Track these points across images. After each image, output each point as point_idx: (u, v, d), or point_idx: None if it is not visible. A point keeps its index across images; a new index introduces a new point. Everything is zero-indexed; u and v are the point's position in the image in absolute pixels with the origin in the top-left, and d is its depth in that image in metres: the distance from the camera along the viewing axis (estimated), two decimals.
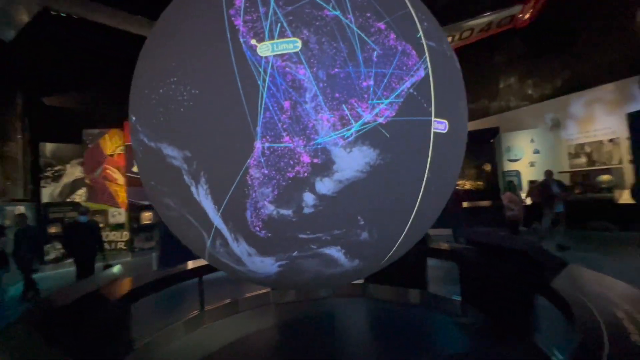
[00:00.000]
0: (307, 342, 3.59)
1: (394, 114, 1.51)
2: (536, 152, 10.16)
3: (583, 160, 9.29)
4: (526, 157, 10.32)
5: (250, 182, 1.47)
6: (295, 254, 1.72)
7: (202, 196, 1.56)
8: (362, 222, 1.64)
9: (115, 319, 2.90)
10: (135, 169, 9.75)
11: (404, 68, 1.55)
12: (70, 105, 10.12)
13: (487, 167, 10.29)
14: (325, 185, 1.51)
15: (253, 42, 1.41)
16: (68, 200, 9.29)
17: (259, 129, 1.40)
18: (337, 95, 1.42)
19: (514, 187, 7.53)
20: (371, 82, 1.47)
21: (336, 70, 1.42)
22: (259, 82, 1.38)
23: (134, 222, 9.70)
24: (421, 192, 1.77)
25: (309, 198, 1.52)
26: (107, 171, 9.75)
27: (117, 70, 9.92)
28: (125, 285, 3.22)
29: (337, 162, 1.47)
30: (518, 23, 9.45)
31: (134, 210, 9.84)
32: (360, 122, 1.45)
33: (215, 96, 1.44)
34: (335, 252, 1.72)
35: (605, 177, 8.54)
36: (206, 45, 1.48)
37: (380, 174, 1.54)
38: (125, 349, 3.02)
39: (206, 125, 1.47)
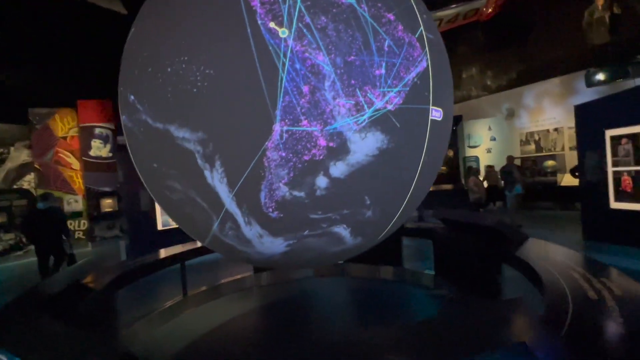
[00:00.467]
0: (289, 321, 3.75)
1: (401, 101, 1.62)
2: (492, 139, 11.03)
3: (532, 147, 10.28)
4: (484, 144, 11.17)
5: (266, 165, 1.52)
6: (305, 233, 1.81)
7: (216, 179, 1.57)
8: (368, 202, 1.76)
9: (99, 308, 2.81)
10: (93, 152, 9.05)
11: (410, 58, 1.65)
12: (13, 82, 9.00)
13: (450, 153, 10.99)
14: (338, 168, 1.60)
15: (272, 25, 1.42)
16: (15, 187, 8.40)
17: (278, 112, 1.44)
18: (352, 82, 1.49)
19: (476, 172, 8.15)
20: (383, 71, 1.56)
21: (352, 57, 1.49)
22: (278, 66, 1.41)
23: (92, 210, 9.06)
24: (417, 174, 1.93)
25: (322, 180, 1.61)
26: (60, 155, 8.91)
27: (68, 44, 8.96)
28: (108, 274, 3.10)
29: (351, 146, 1.56)
30: (482, 16, 9.98)
31: (93, 197, 9.18)
32: (372, 108, 1.55)
33: (233, 78, 1.44)
34: (342, 230, 1.83)
35: (550, 162, 9.56)
36: (221, 25, 1.47)
37: (387, 158, 1.66)
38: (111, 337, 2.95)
39: (222, 107, 1.47)
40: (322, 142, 1.52)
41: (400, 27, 1.64)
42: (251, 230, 1.76)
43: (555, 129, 9.69)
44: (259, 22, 1.42)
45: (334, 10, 1.48)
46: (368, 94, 1.53)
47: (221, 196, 1.62)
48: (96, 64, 8.89)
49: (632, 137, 4.19)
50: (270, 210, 1.66)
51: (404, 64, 1.63)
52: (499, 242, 3.07)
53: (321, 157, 1.55)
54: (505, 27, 10.29)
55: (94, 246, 8.89)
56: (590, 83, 6.98)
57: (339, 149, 1.55)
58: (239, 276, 4.85)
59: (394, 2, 1.66)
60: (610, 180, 4.42)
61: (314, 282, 4.96)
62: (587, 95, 8.20)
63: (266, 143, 1.47)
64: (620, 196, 4.37)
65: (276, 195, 1.61)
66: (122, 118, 1.89)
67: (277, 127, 1.46)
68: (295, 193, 1.62)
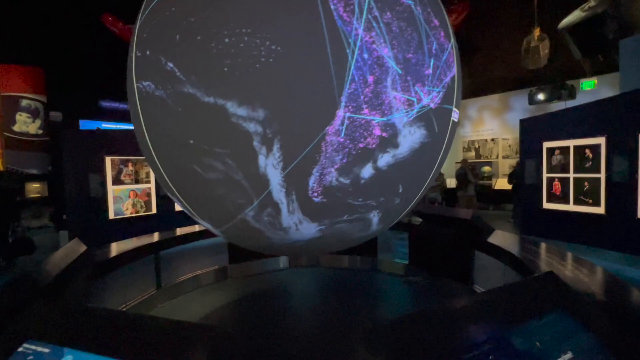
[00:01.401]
0: (265, 311, 3.75)
1: (439, 101, 1.79)
2: None
3: (472, 154, 11.60)
4: None
5: (323, 149, 1.55)
6: (342, 218, 1.88)
7: (270, 161, 1.55)
8: (400, 190, 1.91)
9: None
10: (18, 127, 7.72)
11: (448, 63, 1.83)
12: None
13: None
14: (384, 158, 1.70)
15: (344, 12, 1.46)
16: None
17: (343, 99, 1.48)
18: (408, 77, 1.61)
19: None
20: (430, 71, 1.70)
21: (410, 55, 1.60)
22: (348, 53, 1.46)
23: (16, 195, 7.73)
24: (435, 167, 2.14)
25: (369, 167, 1.70)
26: None
27: None
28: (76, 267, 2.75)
29: (399, 139, 1.68)
30: None
31: (15, 179, 7.83)
32: (420, 104, 1.68)
33: (302, 58, 1.44)
34: (374, 216, 1.95)
35: (487, 168, 10.92)
36: (291, 1, 1.46)
37: (423, 151, 1.82)
38: None
39: (288, 87, 1.46)
40: (377, 131, 1.61)
41: (442, 33, 1.81)
42: (291, 216, 1.77)
43: (492, 139, 11.08)
44: (332, 6, 1.45)
45: (397, 8, 1.58)
46: (418, 91, 1.67)
47: (270, 179, 1.60)
48: (24, 24, 7.56)
49: (563, 149, 5.08)
50: (315, 195, 1.70)
51: (444, 68, 1.80)
52: (471, 232, 3.50)
53: (374, 146, 1.63)
54: (460, 44, 11.37)
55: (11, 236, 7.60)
56: (532, 101, 8.19)
57: (390, 140, 1.65)
58: (212, 268, 4.67)
59: (437, 9, 1.82)
60: (544, 184, 5.30)
61: (291, 272, 4.99)
62: (520, 111, 9.54)
63: (327, 127, 1.51)
64: (551, 198, 5.27)
65: (325, 181, 1.66)
66: (142, 84, 1.72)
67: (340, 113, 1.50)
68: (342, 179, 1.69)
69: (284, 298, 4.21)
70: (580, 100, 7.27)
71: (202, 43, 1.50)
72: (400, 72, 1.57)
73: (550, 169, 5.27)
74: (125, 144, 6.12)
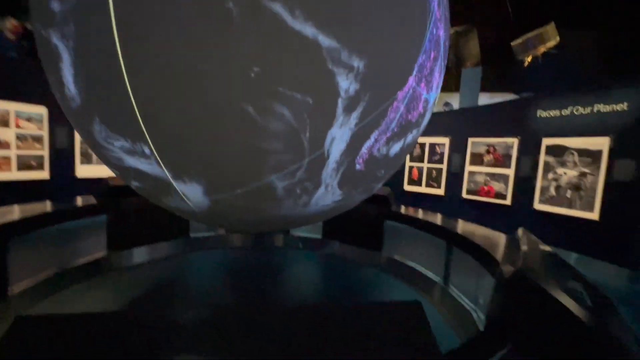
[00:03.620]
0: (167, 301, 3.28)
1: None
2: None
3: None
4: None
5: (387, 114, 1.55)
6: (360, 189, 1.90)
7: (345, 117, 1.41)
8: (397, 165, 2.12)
9: None
10: None
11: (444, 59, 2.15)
12: None
13: None
14: (413, 133, 1.86)
15: None
16: None
17: (416, 66, 1.53)
18: (443, 63, 1.81)
19: None
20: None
21: (447, 43, 1.80)
22: (427, 24, 1.51)
23: None
24: None
25: (403, 141, 1.81)
26: None
27: None
28: None
29: (426, 116, 1.87)
30: None
31: None
32: (438, 91, 1.93)
33: (397, 11, 1.37)
34: (378, 187, 2.08)
35: None
36: None
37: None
38: None
39: (386, 38, 1.33)
40: (420, 107, 1.74)
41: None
42: (328, 183, 1.65)
43: None
44: None
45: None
46: (441, 77, 1.90)
47: (335, 137, 1.44)
48: None
49: (421, 145, 6.70)
50: (360, 162, 1.66)
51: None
52: (382, 207, 4.16)
53: (414, 120, 1.75)
54: None
55: None
56: None
57: (423, 116, 1.82)
58: (85, 259, 3.50)
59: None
60: (406, 171, 6.85)
61: (187, 258, 4.37)
62: None
63: (398, 92, 1.51)
64: (410, 181, 6.88)
65: (374, 147, 1.65)
66: None
67: (411, 81, 1.54)
68: (384, 148, 1.72)
69: (187, 285, 3.68)
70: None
71: None
72: (444, 55, 1.75)
73: (411, 159, 6.85)
74: None
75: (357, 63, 1.29)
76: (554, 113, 4.54)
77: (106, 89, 1.25)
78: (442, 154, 6.35)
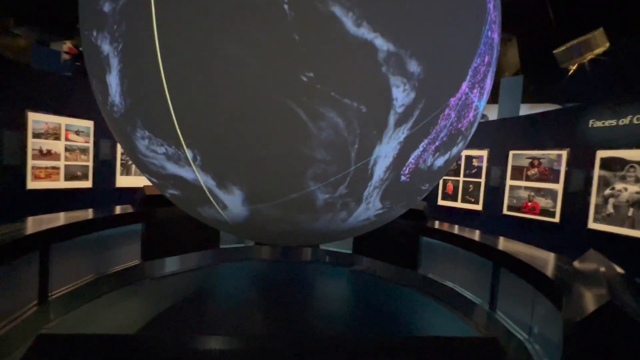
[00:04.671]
0: (201, 314, 3.21)
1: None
2: None
3: None
4: None
5: (438, 121, 1.42)
6: (402, 203, 1.76)
7: (397, 123, 1.29)
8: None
9: None
10: None
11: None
12: None
13: None
14: (459, 144, 1.70)
15: None
16: None
17: (470, 71, 1.40)
18: (494, 69, 1.67)
19: None
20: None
21: (499, 47, 1.65)
22: (483, 24, 1.38)
23: None
24: None
25: (447, 152, 1.66)
26: None
27: None
28: None
29: (474, 125, 1.72)
30: None
31: None
32: (486, 99, 1.77)
33: (455, 11, 1.26)
34: (415, 203, 1.94)
35: None
36: None
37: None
38: None
39: (432, 24, 1.22)
40: (471, 115, 1.59)
41: None
42: (371, 194, 1.54)
43: None
44: None
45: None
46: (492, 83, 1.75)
47: (382, 144, 1.32)
48: None
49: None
50: (406, 172, 1.54)
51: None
52: (417, 219, 3.93)
53: (463, 129, 1.61)
54: None
55: None
56: None
57: (470, 127, 1.67)
58: (120, 267, 3.58)
59: None
60: (440, 185, 6.52)
61: (220, 268, 4.36)
62: None
63: (450, 98, 1.39)
64: (445, 196, 6.54)
65: (420, 159, 1.52)
66: None
67: (464, 86, 1.41)
68: (430, 160, 1.59)
69: (218, 297, 3.63)
70: None
71: None
72: (496, 60, 1.61)
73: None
74: None
75: (414, 68, 1.19)
76: (610, 122, 4.13)
77: (149, 93, 1.23)
78: (479, 167, 6.00)
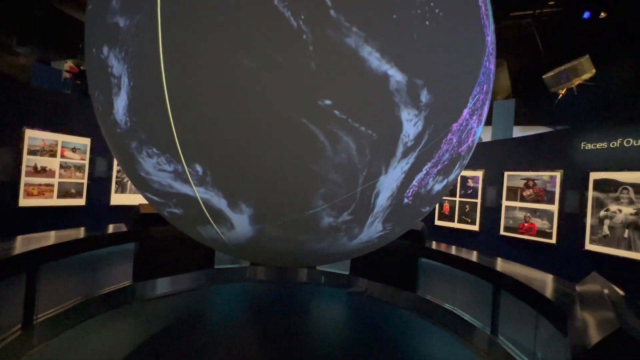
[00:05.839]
0: (196, 340, 3.10)
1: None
2: None
3: None
4: None
5: (442, 145, 1.45)
6: (401, 225, 1.76)
7: (405, 145, 1.30)
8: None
9: None
10: None
11: None
12: None
13: None
14: (457, 169, 1.73)
15: (485, 13, 1.44)
16: None
17: (471, 99, 1.44)
18: (490, 98, 1.72)
19: None
20: None
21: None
22: (483, 54, 1.44)
23: None
24: None
25: (448, 176, 1.68)
26: None
27: None
28: None
29: (472, 150, 1.75)
30: None
31: None
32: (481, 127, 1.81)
33: (461, 34, 1.31)
34: (415, 225, 1.93)
35: None
36: None
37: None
38: None
39: (439, 56, 1.26)
40: (470, 140, 1.63)
41: None
42: (375, 216, 1.54)
43: None
44: (480, 4, 1.41)
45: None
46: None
47: (389, 166, 1.32)
48: None
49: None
50: (409, 195, 1.54)
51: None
52: (414, 240, 3.90)
53: (462, 153, 1.64)
54: None
55: None
56: None
57: (468, 151, 1.70)
58: (110, 288, 3.48)
59: None
60: (436, 206, 6.56)
61: (213, 290, 4.24)
62: None
63: (453, 124, 1.42)
64: (441, 217, 6.55)
65: (423, 181, 1.53)
66: None
67: (465, 113, 1.45)
68: (431, 183, 1.60)
69: (212, 320, 3.51)
70: None
71: None
72: (491, 89, 1.66)
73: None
74: None
75: (425, 98, 1.22)
76: (601, 145, 4.24)
77: (157, 108, 1.22)
78: (474, 188, 6.06)
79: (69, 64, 6.77)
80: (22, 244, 2.62)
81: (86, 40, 1.51)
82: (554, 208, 4.83)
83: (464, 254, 3.49)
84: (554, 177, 4.86)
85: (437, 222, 6.61)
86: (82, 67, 6.93)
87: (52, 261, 2.75)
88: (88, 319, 3.09)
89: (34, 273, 2.61)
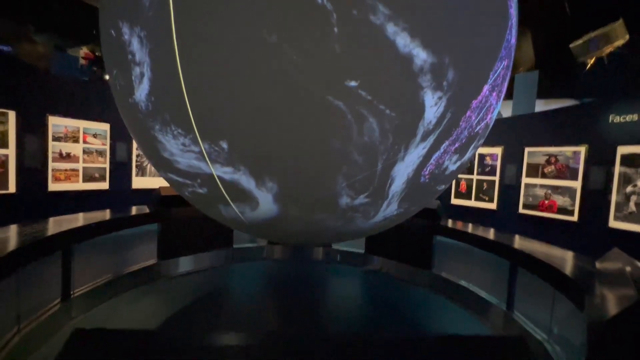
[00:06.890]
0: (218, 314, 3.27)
1: None
2: None
3: None
4: None
5: (461, 123, 1.42)
6: (417, 205, 1.77)
7: (425, 122, 1.29)
8: None
9: None
10: None
11: None
12: None
13: None
14: (472, 147, 1.69)
15: None
16: None
17: (492, 75, 1.39)
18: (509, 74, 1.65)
19: None
20: None
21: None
22: (506, 28, 1.37)
23: None
24: None
25: (465, 153, 1.65)
26: None
27: None
28: None
29: (489, 127, 1.71)
30: None
31: None
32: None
33: (483, 17, 1.25)
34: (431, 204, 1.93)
35: None
36: None
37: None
38: None
39: (464, 31, 1.21)
40: (488, 118, 1.58)
41: None
42: (391, 195, 1.55)
43: None
44: None
45: None
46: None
47: (409, 145, 1.31)
48: None
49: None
50: (426, 173, 1.54)
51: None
52: (430, 218, 3.89)
53: (479, 132, 1.60)
54: None
55: None
56: None
57: (486, 129, 1.65)
58: (137, 266, 3.67)
59: None
60: (453, 183, 6.47)
61: (233, 268, 4.42)
62: None
63: (473, 100, 1.38)
64: (458, 194, 6.47)
65: (441, 160, 1.52)
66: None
67: (485, 89, 1.40)
68: (448, 161, 1.59)
69: (232, 295, 3.69)
70: None
71: None
72: (511, 65, 1.59)
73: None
74: None
75: (451, 77, 1.20)
76: (631, 117, 4.02)
77: (181, 88, 1.22)
78: (493, 165, 5.91)
79: (84, 51, 6.87)
80: (55, 225, 2.79)
81: (101, 17, 1.50)
82: (577, 185, 4.68)
83: (480, 231, 3.47)
84: (577, 153, 4.68)
85: (454, 201, 6.55)
86: (97, 54, 7.02)
87: (83, 241, 2.93)
88: (121, 294, 3.31)
89: (68, 252, 2.80)
